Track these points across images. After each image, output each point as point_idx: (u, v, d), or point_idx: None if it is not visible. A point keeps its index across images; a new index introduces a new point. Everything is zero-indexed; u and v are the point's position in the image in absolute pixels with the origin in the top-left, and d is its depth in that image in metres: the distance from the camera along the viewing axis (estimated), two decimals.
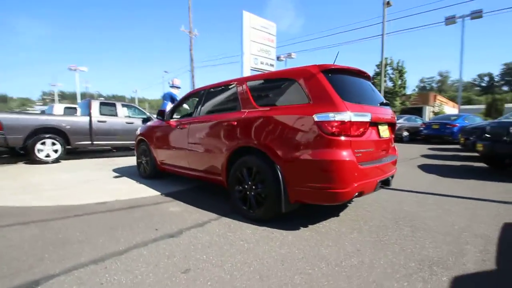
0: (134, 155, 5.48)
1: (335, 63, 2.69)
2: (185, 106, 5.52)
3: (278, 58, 22.06)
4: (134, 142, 8.02)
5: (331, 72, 2.48)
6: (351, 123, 2.23)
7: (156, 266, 1.90)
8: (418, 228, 2.59)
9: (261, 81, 2.99)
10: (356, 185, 2.25)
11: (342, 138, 2.22)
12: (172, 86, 8.08)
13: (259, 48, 19.83)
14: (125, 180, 4.73)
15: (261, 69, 20.35)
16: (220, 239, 2.36)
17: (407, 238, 2.38)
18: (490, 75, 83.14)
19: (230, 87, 3.36)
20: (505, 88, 74.33)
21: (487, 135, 5.44)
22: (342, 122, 2.21)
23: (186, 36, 22.60)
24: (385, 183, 2.76)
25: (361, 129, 2.34)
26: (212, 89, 3.65)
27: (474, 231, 2.52)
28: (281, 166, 2.46)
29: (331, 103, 2.28)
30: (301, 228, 2.60)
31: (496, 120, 6.87)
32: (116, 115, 7.79)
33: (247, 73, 19.40)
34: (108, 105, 7.92)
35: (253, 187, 2.75)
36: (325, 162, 2.23)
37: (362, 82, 2.84)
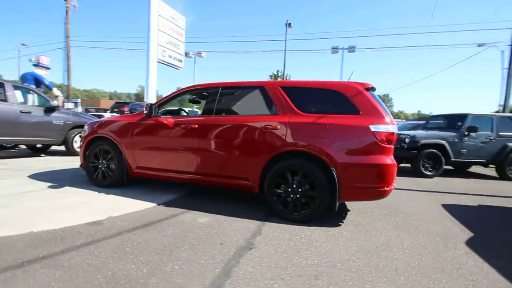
0: (37, 155, 4.17)
1: (349, 80, 3.21)
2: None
3: (186, 54, 21.13)
4: (35, 139, 6.07)
5: (368, 89, 2.96)
6: (394, 133, 2.78)
7: (282, 279, 1.79)
8: (398, 210, 3.47)
9: (299, 88, 3.12)
10: (394, 183, 2.82)
11: (390, 145, 2.73)
12: (37, 65, 6.58)
13: (167, 39, 18.39)
14: (79, 191, 3.59)
15: (169, 63, 18.97)
16: (295, 243, 2.38)
17: (402, 219, 3.17)
18: None
19: (256, 89, 3.28)
20: None
21: None
22: (391, 133, 2.72)
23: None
24: None
25: (395, 138, 2.94)
26: (228, 88, 3.41)
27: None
28: (337, 169, 2.72)
29: (379, 116, 2.76)
30: (341, 224, 2.95)
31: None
32: (5, 100, 5.55)
33: (153, 64, 17.68)
34: None
35: (299, 190, 2.87)
36: (379, 166, 2.68)
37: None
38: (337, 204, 2.79)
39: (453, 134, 6.63)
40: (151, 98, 17.99)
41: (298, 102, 3.03)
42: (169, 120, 3.48)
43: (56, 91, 7.81)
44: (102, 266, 1.80)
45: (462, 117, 6.82)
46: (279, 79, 30.27)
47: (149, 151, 3.57)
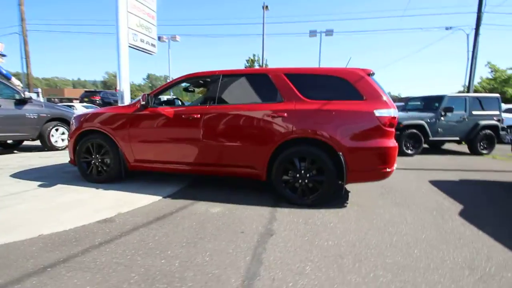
0: (10, 152, 3.89)
1: (347, 66, 3.29)
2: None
3: (159, 38, 20.07)
4: (6, 134, 5.57)
5: (369, 75, 3.05)
6: (395, 117, 2.91)
7: (310, 260, 1.87)
8: (393, 189, 3.71)
9: (303, 75, 3.12)
10: (395, 164, 2.99)
11: (392, 129, 2.87)
12: None
13: (138, 22, 17.20)
14: (75, 188, 3.41)
15: (141, 48, 17.94)
16: (312, 226, 2.47)
17: (399, 197, 3.41)
18: None
19: (258, 77, 3.24)
20: None
21: None
22: (393, 117, 2.85)
23: None
24: None
25: (396, 121, 3.07)
26: (230, 76, 3.33)
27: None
28: (344, 154, 2.82)
29: (382, 100, 2.87)
30: (346, 205, 3.10)
31: None
32: None
33: (125, 49, 16.63)
34: None
35: (307, 175, 2.95)
36: (383, 149, 2.81)
37: None
38: (344, 186, 2.92)
39: (431, 114, 7.06)
40: (124, 85, 17.08)
41: (303, 89, 3.05)
42: (168, 110, 3.35)
43: (15, 81, 7.16)
44: (132, 264, 1.77)
45: (439, 98, 7.27)
46: (256, 64, 29.90)
47: (148, 144, 3.44)
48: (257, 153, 3.08)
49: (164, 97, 4.25)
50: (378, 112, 2.80)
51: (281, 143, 2.97)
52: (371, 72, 3.06)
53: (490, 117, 7.22)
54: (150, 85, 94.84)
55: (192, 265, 1.78)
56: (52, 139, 6.47)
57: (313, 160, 2.92)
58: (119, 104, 16.60)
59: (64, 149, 6.57)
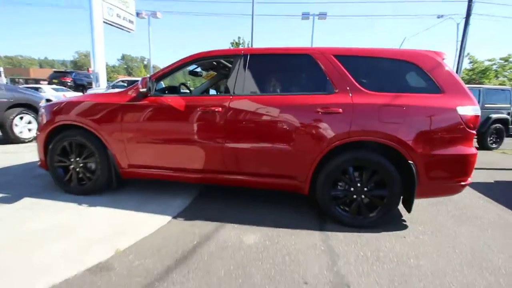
0: None
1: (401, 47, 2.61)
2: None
3: (138, 14, 18.18)
4: None
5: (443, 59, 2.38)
6: (478, 116, 2.28)
7: None
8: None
9: (360, 58, 2.38)
10: None
11: (474, 131, 2.25)
12: None
13: None
14: (49, 204, 2.53)
15: (118, 24, 16.30)
16: (389, 265, 1.84)
17: (454, 209, 2.88)
18: None
19: (299, 58, 2.47)
20: None
21: None
22: (477, 115, 2.23)
23: None
24: None
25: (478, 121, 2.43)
26: (259, 56, 2.52)
27: None
28: (416, 163, 2.18)
29: (465, 94, 2.23)
30: (405, 223, 2.50)
31: None
32: None
33: (99, 25, 14.87)
34: None
35: (364, 189, 2.30)
36: (466, 156, 2.20)
37: None
38: (411, 204, 2.30)
39: None
40: (99, 66, 15.39)
41: (360, 77, 2.34)
42: (177, 100, 2.51)
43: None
44: None
45: None
46: (241, 47, 28.51)
47: (148, 144, 2.60)
48: (299, 159, 2.36)
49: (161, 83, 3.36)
50: (461, 110, 2.16)
51: (332, 147, 2.27)
52: (444, 57, 2.39)
53: (501, 110, 6.95)
54: (125, 66, 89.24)
55: None
56: (16, 130, 5.32)
57: (375, 170, 2.26)
58: (94, 87, 15.03)
59: (31, 141, 5.46)
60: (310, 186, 2.41)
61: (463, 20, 17.72)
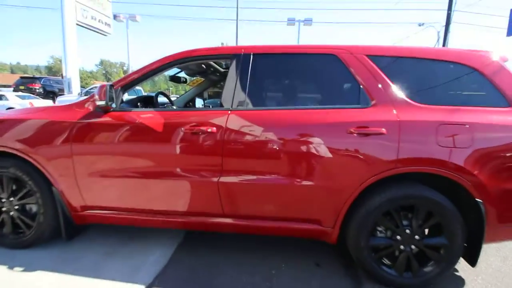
0: None
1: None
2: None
3: (115, 17, 17.13)
4: None
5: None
6: None
7: None
8: None
9: (401, 60, 1.79)
10: None
11: None
12: None
13: None
14: None
15: (93, 27, 15.20)
16: None
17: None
18: None
19: (321, 58, 1.84)
20: None
21: None
22: None
23: None
24: None
25: None
26: (268, 56, 1.86)
27: None
28: (485, 200, 1.59)
29: None
30: (477, 271, 1.90)
31: None
32: None
33: (71, 28, 13.74)
34: None
35: (416, 237, 1.68)
36: None
37: None
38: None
39: None
40: (71, 71, 14.16)
41: (405, 84, 1.74)
42: (153, 117, 1.80)
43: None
44: None
45: None
46: None
47: (113, 179, 1.86)
48: (324, 198, 1.71)
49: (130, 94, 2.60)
50: None
51: (372, 182, 1.64)
52: (507, 59, 1.85)
53: None
54: (104, 71, 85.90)
55: None
56: None
57: (429, 211, 1.66)
58: (66, 93, 13.77)
59: None
60: (340, 232, 1.77)
61: (443, 28, 18.18)
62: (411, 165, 1.61)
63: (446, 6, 17.10)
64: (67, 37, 13.93)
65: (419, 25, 19.39)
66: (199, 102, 3.29)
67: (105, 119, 1.82)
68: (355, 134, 1.63)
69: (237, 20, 17.73)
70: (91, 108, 1.87)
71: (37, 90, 16.26)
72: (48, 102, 13.84)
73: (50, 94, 16.40)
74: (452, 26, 17.79)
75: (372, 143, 1.63)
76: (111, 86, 1.77)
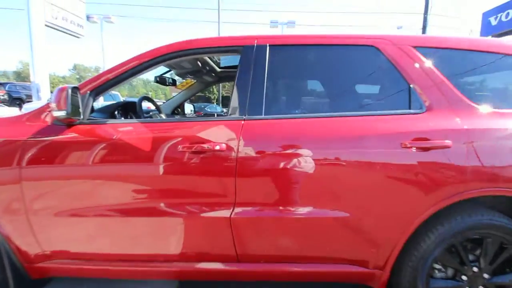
0: None
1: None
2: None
3: (88, 18, 16.09)
4: None
5: None
6: None
7: None
8: None
9: (459, 53, 1.42)
10: None
11: None
12: None
13: None
14: None
15: (64, 28, 14.04)
16: None
17: None
18: None
19: (352, 49, 1.44)
20: None
21: None
22: None
23: None
24: None
25: None
26: (281, 49, 1.43)
27: None
28: None
29: None
30: None
31: None
32: None
33: (39, 29, 12.63)
34: None
35: (485, 275, 1.31)
36: None
37: None
38: None
39: None
40: (40, 76, 12.98)
41: (464, 84, 1.38)
42: (135, 130, 1.32)
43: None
44: None
45: None
46: None
47: (80, 218, 1.35)
48: (372, 233, 1.31)
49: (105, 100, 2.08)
50: None
51: (436, 210, 1.26)
52: None
53: None
54: (77, 76, 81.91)
55: None
56: None
57: (502, 243, 1.30)
58: (34, 101, 12.72)
59: None
60: (391, 274, 1.37)
61: (421, 31, 18.78)
62: (486, 187, 1.24)
63: (423, 10, 17.72)
64: (35, 39, 12.78)
65: (398, 28, 19.93)
66: (188, 108, 2.81)
67: (68, 135, 1.32)
68: (412, 149, 1.24)
69: (219, 22, 17.29)
70: (48, 120, 1.36)
71: (2, 97, 14.87)
72: (13, 110, 12.66)
73: (16, 101, 15.05)
74: (428, 29, 18.44)
75: (434, 159, 1.24)
76: (75, 89, 1.26)
